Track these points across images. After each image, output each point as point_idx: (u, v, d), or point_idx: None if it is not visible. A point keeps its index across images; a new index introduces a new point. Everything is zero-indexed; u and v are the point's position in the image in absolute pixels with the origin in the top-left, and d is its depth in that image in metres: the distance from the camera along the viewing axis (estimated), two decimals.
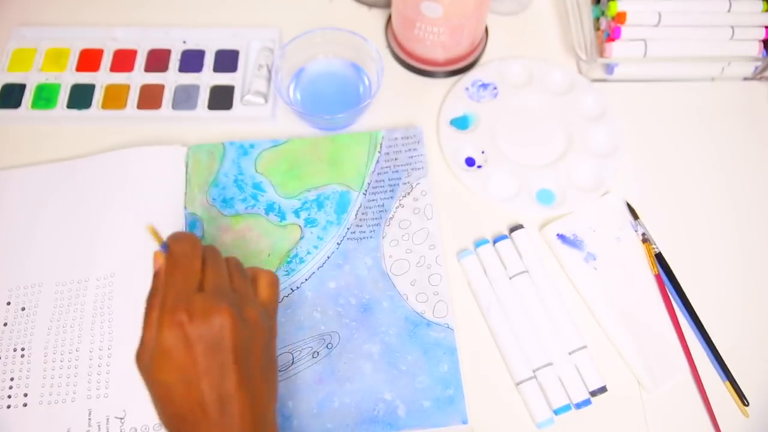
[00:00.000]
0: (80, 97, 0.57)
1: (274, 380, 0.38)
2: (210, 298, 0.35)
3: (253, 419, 0.35)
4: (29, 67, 0.59)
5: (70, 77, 0.58)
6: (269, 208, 0.52)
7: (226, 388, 0.34)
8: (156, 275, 0.37)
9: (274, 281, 0.41)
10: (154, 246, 0.50)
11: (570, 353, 0.47)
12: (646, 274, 0.50)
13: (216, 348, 0.34)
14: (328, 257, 0.50)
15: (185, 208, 0.52)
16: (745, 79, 0.60)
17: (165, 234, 0.38)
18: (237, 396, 0.35)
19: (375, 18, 0.63)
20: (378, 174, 0.53)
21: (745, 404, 0.46)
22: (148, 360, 0.35)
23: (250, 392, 0.35)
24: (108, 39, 0.60)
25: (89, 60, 0.59)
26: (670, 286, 0.50)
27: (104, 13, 0.63)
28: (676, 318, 0.49)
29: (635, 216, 0.51)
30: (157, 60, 0.59)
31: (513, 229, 0.52)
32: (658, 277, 0.50)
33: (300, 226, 0.51)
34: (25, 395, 0.45)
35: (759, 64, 0.58)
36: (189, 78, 0.58)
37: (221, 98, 0.57)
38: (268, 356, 0.38)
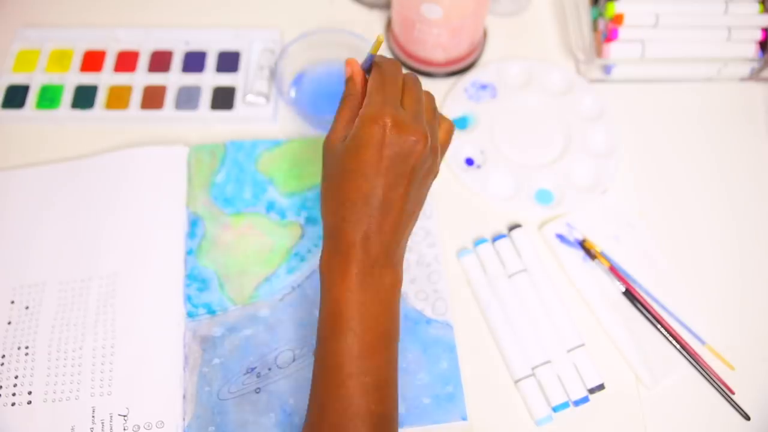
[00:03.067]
0: (84, 98, 0.58)
1: (419, 211, 0.42)
2: (413, 118, 0.38)
3: (396, 230, 0.39)
4: (33, 68, 0.59)
5: (73, 78, 0.59)
6: (270, 206, 0.53)
7: (392, 194, 0.38)
8: (350, 81, 0.42)
9: (451, 129, 0.44)
10: (155, 245, 0.50)
11: (568, 351, 0.48)
12: (644, 273, 0.51)
13: (402, 160, 0.38)
14: None
15: (187, 207, 0.52)
16: (742, 79, 0.60)
17: None
18: (397, 204, 0.38)
19: (375, 19, 0.63)
20: None
21: (745, 417, 0.46)
22: (340, 145, 0.39)
23: (407, 208, 0.39)
24: (111, 40, 0.61)
25: (92, 61, 0.60)
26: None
27: (107, 14, 0.63)
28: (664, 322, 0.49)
29: (592, 256, 0.51)
30: (160, 61, 0.60)
31: (512, 229, 0.52)
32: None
33: (301, 225, 0.52)
34: (30, 393, 0.45)
35: (755, 65, 0.58)
36: (191, 79, 0.59)
37: (223, 99, 0.58)
38: (426, 190, 0.42)
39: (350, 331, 0.38)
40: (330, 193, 0.40)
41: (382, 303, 0.39)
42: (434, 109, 0.42)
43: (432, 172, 0.41)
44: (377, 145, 0.37)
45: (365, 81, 0.42)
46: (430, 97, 0.42)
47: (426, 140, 0.38)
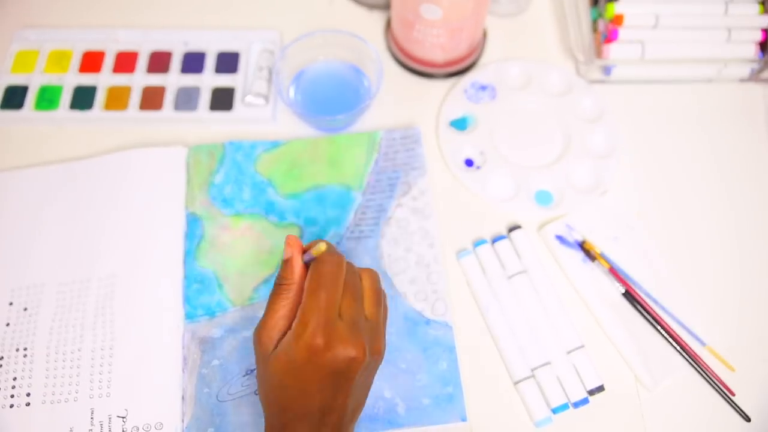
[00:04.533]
0: (82, 99, 0.58)
1: (363, 403, 0.41)
2: (348, 332, 0.36)
3: (340, 427, 0.38)
4: (32, 68, 0.59)
5: (72, 79, 0.59)
6: (269, 207, 0.53)
7: (334, 402, 0.37)
8: (286, 265, 0.39)
9: (382, 297, 0.41)
10: (154, 246, 0.50)
11: (568, 352, 0.48)
12: (644, 274, 0.51)
13: (339, 376, 0.37)
14: None
15: (186, 208, 0.52)
16: (742, 80, 0.60)
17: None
18: (339, 408, 0.37)
19: (375, 20, 0.63)
20: (377, 174, 0.54)
21: (746, 419, 0.46)
22: (273, 352, 0.37)
23: (349, 409, 0.38)
24: (110, 41, 0.61)
25: (91, 62, 0.60)
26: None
27: (106, 15, 0.63)
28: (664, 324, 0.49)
29: (592, 257, 0.51)
30: (159, 62, 0.60)
31: (511, 230, 0.52)
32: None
33: (300, 226, 0.52)
34: (28, 395, 0.45)
35: (755, 65, 0.58)
36: (190, 79, 0.59)
37: (222, 100, 0.58)
38: (370, 384, 0.41)
39: None
40: (268, 397, 0.38)
41: None
42: (376, 294, 0.40)
43: (375, 369, 0.40)
44: (310, 366, 0.36)
45: (304, 272, 0.39)
46: (372, 280, 0.40)
47: (364, 352, 0.36)
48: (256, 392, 0.45)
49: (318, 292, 0.37)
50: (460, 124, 0.57)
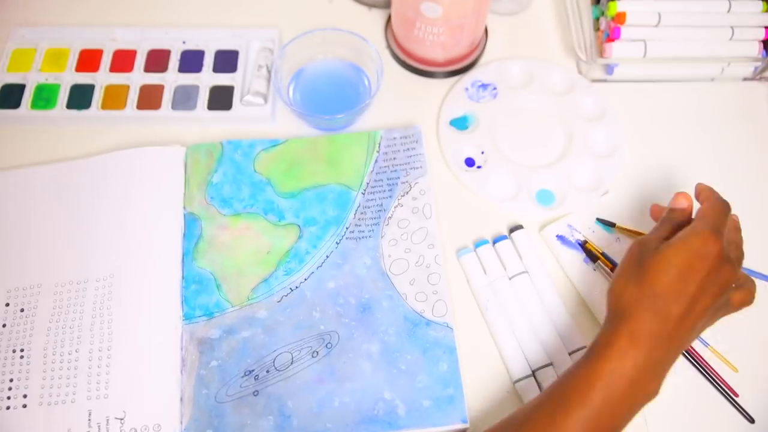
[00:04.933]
0: (80, 98, 0.57)
1: (694, 339, 0.44)
2: (736, 259, 0.43)
3: (681, 343, 0.41)
4: (29, 67, 0.59)
5: (69, 77, 0.58)
6: (268, 207, 0.52)
7: (696, 307, 0.40)
8: (678, 207, 0.45)
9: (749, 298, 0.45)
10: (152, 246, 0.50)
11: (570, 354, 0.47)
12: None
13: (717, 287, 0.40)
14: (327, 257, 0.50)
15: (184, 207, 0.52)
16: (745, 79, 0.60)
17: None
18: (692, 319, 0.40)
19: (375, 18, 0.63)
20: (377, 173, 0.53)
21: (749, 420, 0.46)
22: (657, 243, 0.42)
23: (697, 328, 0.41)
24: (107, 39, 0.60)
25: (89, 60, 0.59)
26: None
27: (104, 13, 0.63)
28: None
29: (593, 258, 0.50)
30: (157, 60, 0.59)
31: (513, 230, 0.52)
32: None
33: (299, 226, 0.51)
34: (25, 396, 0.45)
35: (759, 64, 0.58)
36: (188, 78, 0.58)
37: (221, 98, 0.57)
38: (715, 320, 0.44)
39: (587, 408, 0.38)
40: (633, 279, 0.41)
41: (630, 406, 0.39)
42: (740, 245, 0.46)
43: (725, 310, 0.43)
44: (707, 259, 0.40)
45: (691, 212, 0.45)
46: (736, 233, 0.46)
47: (734, 275, 0.41)
48: (255, 393, 0.45)
49: (715, 214, 0.43)
50: (460, 124, 0.57)
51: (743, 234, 0.53)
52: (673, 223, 0.44)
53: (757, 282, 0.50)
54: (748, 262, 0.51)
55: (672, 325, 0.39)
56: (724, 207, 0.44)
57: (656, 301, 0.40)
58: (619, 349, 0.39)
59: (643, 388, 0.39)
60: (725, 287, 0.41)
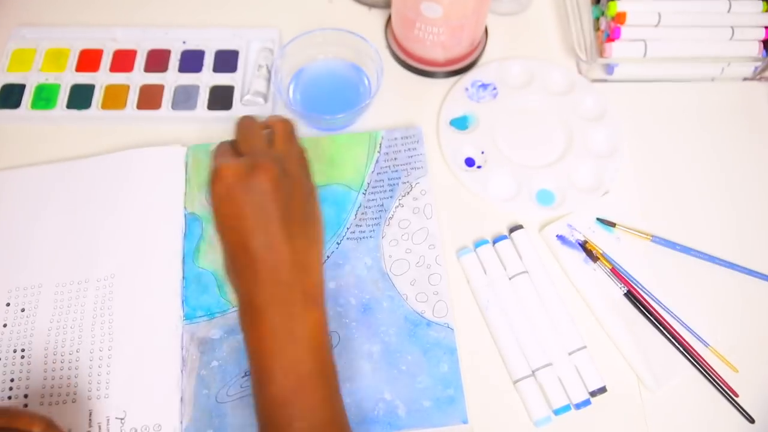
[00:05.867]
0: (80, 98, 0.57)
1: (313, 230, 0.41)
2: (251, 156, 0.39)
3: (293, 267, 0.38)
4: (29, 67, 0.59)
5: (69, 77, 0.58)
6: None
7: (268, 237, 0.37)
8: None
9: (301, 151, 0.43)
10: (153, 247, 0.50)
11: (570, 353, 0.47)
12: (646, 274, 0.50)
13: (257, 198, 0.37)
14: (328, 257, 0.50)
15: (185, 208, 0.52)
16: (745, 79, 0.60)
17: None
18: (279, 244, 0.37)
19: (375, 18, 0.63)
20: (377, 174, 0.53)
21: (749, 420, 0.46)
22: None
23: (295, 244, 0.38)
24: (108, 39, 0.60)
25: (89, 60, 0.59)
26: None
27: (104, 13, 0.63)
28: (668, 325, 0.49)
29: (593, 258, 0.50)
30: (157, 60, 0.59)
31: (513, 230, 0.52)
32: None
33: None
34: (26, 396, 0.45)
35: (759, 64, 0.58)
36: (189, 78, 0.58)
37: (221, 98, 0.57)
38: (311, 209, 0.41)
39: (270, 381, 0.37)
40: (226, 255, 0.39)
41: (297, 342, 0.37)
42: (288, 134, 0.42)
43: (300, 190, 0.40)
44: (226, 198, 0.37)
45: None
46: (283, 126, 0.42)
47: (270, 167, 0.37)
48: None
49: (217, 149, 0.41)
50: (460, 123, 0.57)
51: (743, 234, 0.53)
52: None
53: (758, 282, 0.51)
54: (749, 262, 0.52)
55: (268, 269, 0.37)
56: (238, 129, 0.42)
57: (236, 263, 0.38)
58: (251, 326, 0.38)
59: (297, 325, 0.38)
60: (267, 194, 0.37)
